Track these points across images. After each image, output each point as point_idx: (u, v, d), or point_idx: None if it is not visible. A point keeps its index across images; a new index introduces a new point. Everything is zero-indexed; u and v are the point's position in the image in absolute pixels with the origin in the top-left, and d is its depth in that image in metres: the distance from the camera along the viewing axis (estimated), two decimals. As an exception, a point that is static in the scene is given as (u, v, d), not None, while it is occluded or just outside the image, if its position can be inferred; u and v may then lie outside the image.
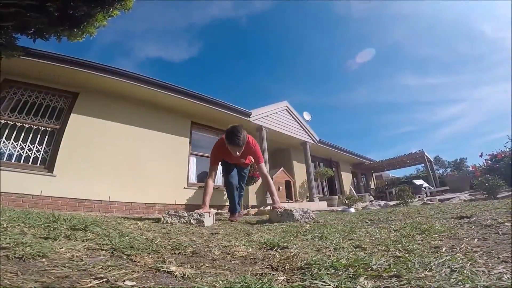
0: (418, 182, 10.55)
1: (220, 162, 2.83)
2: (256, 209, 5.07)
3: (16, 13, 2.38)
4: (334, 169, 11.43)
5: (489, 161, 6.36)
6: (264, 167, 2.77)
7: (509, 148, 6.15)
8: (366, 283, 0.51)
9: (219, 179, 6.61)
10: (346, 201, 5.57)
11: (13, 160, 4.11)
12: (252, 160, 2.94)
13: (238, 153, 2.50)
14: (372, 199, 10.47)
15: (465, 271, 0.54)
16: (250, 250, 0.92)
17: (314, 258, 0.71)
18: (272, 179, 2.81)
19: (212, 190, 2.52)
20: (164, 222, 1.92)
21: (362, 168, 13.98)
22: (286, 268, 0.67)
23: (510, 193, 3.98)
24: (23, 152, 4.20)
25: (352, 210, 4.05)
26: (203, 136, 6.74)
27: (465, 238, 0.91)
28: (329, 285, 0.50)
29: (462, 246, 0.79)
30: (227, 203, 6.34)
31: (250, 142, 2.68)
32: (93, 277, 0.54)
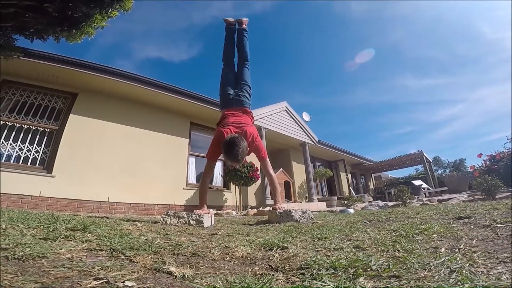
0: (417, 182, 10.58)
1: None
2: (255, 210, 5.06)
3: (15, 13, 2.37)
4: (333, 169, 11.45)
5: (488, 162, 6.36)
6: (269, 164, 2.50)
7: (507, 149, 6.16)
8: (365, 283, 0.51)
9: (218, 179, 6.61)
10: (345, 202, 5.58)
11: (12, 161, 4.11)
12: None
13: (237, 166, 2.36)
14: (371, 199, 10.49)
15: (464, 271, 0.54)
16: (249, 250, 0.92)
17: (314, 259, 0.71)
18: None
19: (208, 189, 2.45)
20: (164, 222, 1.91)
21: (361, 168, 14.01)
22: (285, 268, 0.67)
23: (508, 193, 4.00)
24: (22, 153, 4.19)
25: (351, 210, 4.05)
26: (203, 136, 6.74)
27: (464, 239, 0.92)
28: (329, 285, 0.50)
29: (461, 247, 0.79)
30: (226, 204, 6.35)
31: (250, 139, 2.38)
32: (93, 277, 0.54)
